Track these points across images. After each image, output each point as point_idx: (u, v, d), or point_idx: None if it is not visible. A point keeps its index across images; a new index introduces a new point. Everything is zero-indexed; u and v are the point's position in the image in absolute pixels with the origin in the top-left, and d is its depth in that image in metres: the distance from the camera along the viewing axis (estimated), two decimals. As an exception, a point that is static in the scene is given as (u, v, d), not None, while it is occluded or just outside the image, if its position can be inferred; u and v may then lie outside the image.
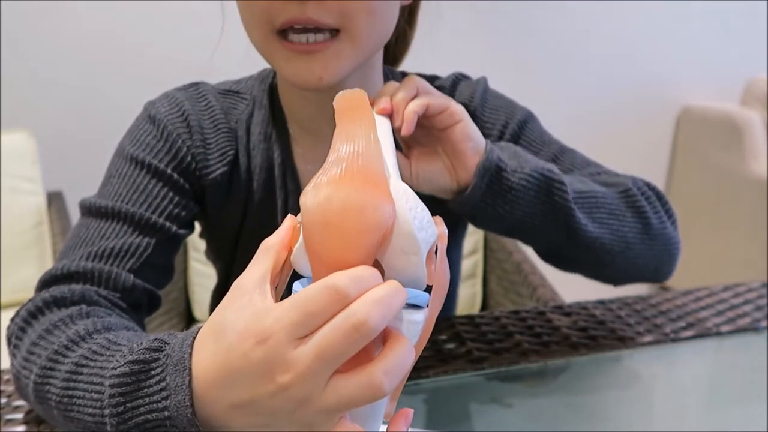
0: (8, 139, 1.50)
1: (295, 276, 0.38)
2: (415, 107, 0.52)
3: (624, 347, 0.69)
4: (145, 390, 0.38)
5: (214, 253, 0.76)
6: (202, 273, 1.44)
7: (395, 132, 0.52)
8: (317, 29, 0.53)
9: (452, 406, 0.60)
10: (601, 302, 0.79)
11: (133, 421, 0.39)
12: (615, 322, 0.74)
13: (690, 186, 2.29)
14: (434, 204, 0.46)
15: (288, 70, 0.56)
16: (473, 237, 1.44)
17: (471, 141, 0.55)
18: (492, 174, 0.56)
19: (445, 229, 0.39)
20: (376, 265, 0.38)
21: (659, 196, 0.67)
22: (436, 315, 0.39)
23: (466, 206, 0.57)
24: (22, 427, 0.56)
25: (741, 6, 2.22)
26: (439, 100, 0.53)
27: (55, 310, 0.52)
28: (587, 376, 0.66)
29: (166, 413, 0.37)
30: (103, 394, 0.40)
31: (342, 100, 0.45)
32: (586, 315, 0.76)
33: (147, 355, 0.39)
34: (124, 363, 0.40)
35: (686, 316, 0.77)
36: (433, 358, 0.66)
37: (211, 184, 0.64)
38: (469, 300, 1.47)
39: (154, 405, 0.38)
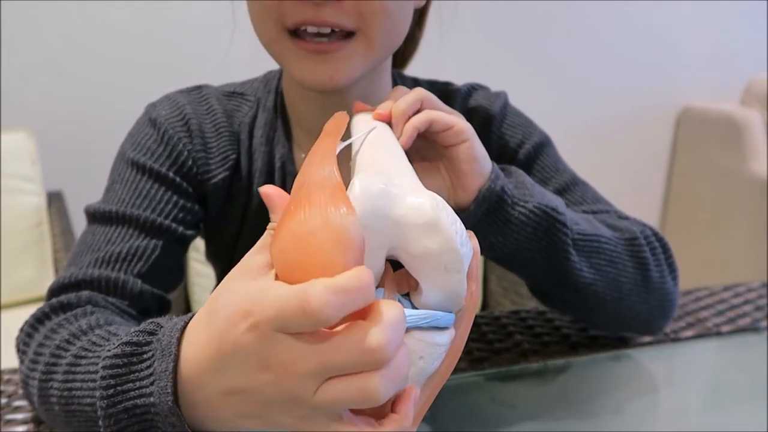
0: (8, 139, 1.50)
1: None
2: (416, 122, 0.48)
3: (624, 347, 0.70)
4: (136, 374, 0.37)
5: (213, 256, 0.76)
6: (202, 273, 1.44)
7: None
8: (332, 32, 0.52)
9: (452, 406, 0.60)
10: (601, 302, 0.79)
11: (122, 405, 0.38)
12: (615, 322, 0.74)
13: (690, 186, 2.29)
14: None
15: (299, 69, 0.55)
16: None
17: (476, 162, 0.51)
18: (492, 203, 0.53)
19: (477, 244, 0.37)
20: (411, 281, 0.35)
21: (665, 249, 0.64)
22: (466, 337, 0.37)
23: None
24: (22, 427, 0.56)
25: (741, 6, 2.23)
26: (444, 117, 0.50)
27: (61, 314, 0.53)
28: (587, 376, 0.66)
29: (151, 399, 0.36)
30: (97, 375, 0.39)
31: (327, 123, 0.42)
32: (586, 315, 0.76)
33: (140, 338, 0.38)
34: (118, 344, 0.39)
35: (686, 316, 0.77)
36: (433, 358, 0.66)
37: (213, 188, 0.64)
38: (469, 300, 1.46)
39: (144, 390, 0.37)
